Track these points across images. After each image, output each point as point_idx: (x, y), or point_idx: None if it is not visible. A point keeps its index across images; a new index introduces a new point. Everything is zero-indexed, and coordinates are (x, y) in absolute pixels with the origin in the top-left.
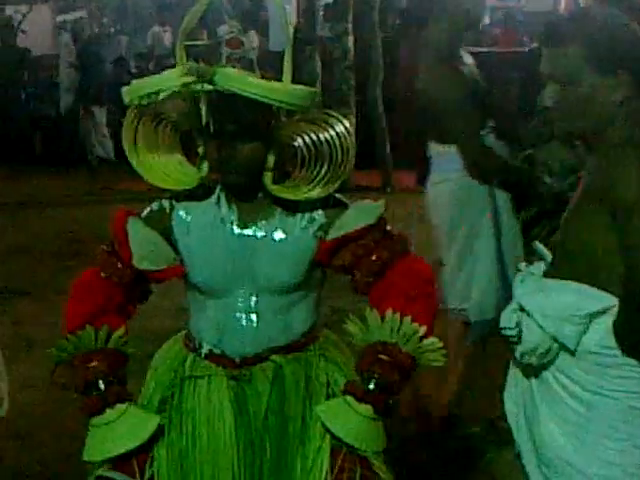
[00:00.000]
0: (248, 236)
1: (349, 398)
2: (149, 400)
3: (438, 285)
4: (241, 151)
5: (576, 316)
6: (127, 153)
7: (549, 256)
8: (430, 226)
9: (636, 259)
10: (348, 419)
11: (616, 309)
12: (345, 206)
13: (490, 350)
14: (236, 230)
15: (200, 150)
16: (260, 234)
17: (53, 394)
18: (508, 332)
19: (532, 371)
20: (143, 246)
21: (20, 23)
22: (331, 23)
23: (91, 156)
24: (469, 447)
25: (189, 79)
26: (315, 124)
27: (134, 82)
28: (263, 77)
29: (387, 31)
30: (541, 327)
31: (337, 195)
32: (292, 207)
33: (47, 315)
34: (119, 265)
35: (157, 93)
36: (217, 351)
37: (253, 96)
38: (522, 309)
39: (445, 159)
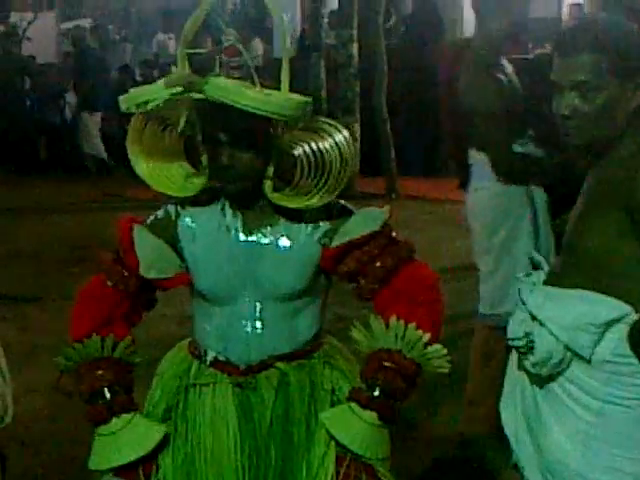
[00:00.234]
0: (253, 243)
1: (354, 405)
2: (154, 407)
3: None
4: (239, 160)
5: (592, 325)
6: (131, 159)
7: (546, 265)
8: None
9: None
10: (353, 426)
11: (633, 317)
12: (350, 213)
13: None
14: (241, 237)
15: (203, 158)
16: (265, 241)
17: (58, 400)
18: (517, 343)
19: (537, 381)
20: (149, 254)
21: (25, 31)
22: (336, 30)
23: (90, 162)
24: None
25: (178, 89)
26: (315, 133)
27: (131, 90)
28: (262, 85)
29: (392, 38)
30: (555, 337)
31: (342, 202)
32: (297, 214)
33: (52, 321)
34: (125, 273)
35: (147, 102)
36: (222, 358)
37: (243, 107)
38: (534, 318)
39: (484, 166)
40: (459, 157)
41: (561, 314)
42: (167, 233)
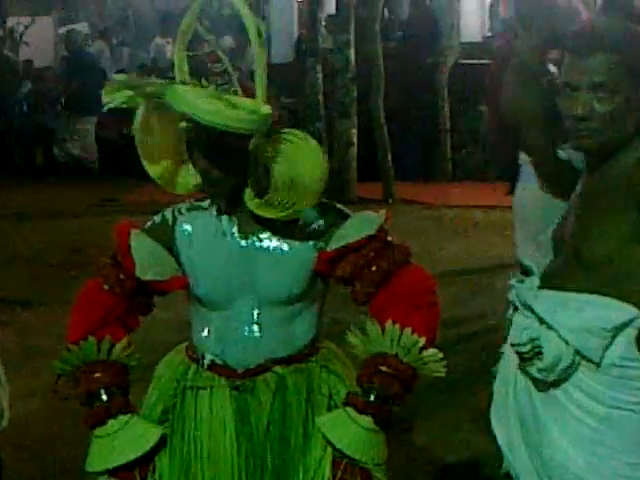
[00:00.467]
0: (249, 247)
1: (350, 409)
2: (151, 410)
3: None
4: (214, 165)
5: (603, 329)
6: (140, 154)
7: (537, 271)
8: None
9: None
10: (349, 431)
11: None
12: (345, 217)
13: None
14: (237, 241)
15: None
16: (261, 245)
17: (55, 403)
18: (522, 349)
19: (537, 387)
20: (146, 257)
21: (22, 35)
22: (333, 35)
23: (84, 166)
24: None
25: (130, 93)
26: (287, 144)
27: (107, 88)
28: (246, 91)
29: (389, 42)
30: (565, 341)
31: (338, 205)
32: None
33: (49, 325)
34: (121, 276)
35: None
36: (219, 362)
37: (196, 118)
38: (542, 323)
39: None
40: (507, 162)
41: (571, 318)
42: (164, 238)
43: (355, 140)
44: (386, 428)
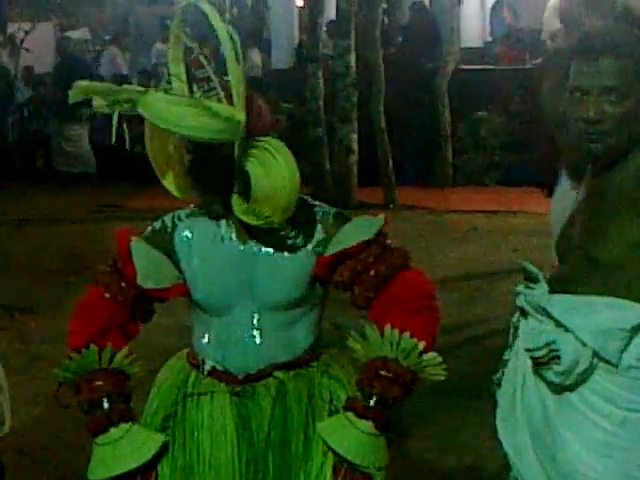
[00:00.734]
0: (248, 252)
1: (350, 414)
2: (152, 417)
3: None
4: (206, 170)
5: (620, 330)
6: (150, 158)
7: (541, 276)
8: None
9: None
10: (349, 436)
11: None
12: (344, 221)
13: None
14: (236, 247)
15: None
16: (259, 250)
17: (56, 411)
18: (537, 353)
19: (550, 392)
20: (147, 265)
21: (22, 41)
22: (334, 40)
23: (78, 172)
24: None
25: (108, 100)
26: (264, 152)
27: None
28: (229, 97)
29: (389, 48)
30: (583, 344)
31: (336, 210)
32: (290, 223)
33: (49, 331)
34: (123, 284)
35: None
36: (220, 368)
37: (163, 126)
38: (558, 327)
39: None
40: (550, 166)
41: (589, 320)
42: (164, 244)
43: (356, 145)
44: (386, 432)
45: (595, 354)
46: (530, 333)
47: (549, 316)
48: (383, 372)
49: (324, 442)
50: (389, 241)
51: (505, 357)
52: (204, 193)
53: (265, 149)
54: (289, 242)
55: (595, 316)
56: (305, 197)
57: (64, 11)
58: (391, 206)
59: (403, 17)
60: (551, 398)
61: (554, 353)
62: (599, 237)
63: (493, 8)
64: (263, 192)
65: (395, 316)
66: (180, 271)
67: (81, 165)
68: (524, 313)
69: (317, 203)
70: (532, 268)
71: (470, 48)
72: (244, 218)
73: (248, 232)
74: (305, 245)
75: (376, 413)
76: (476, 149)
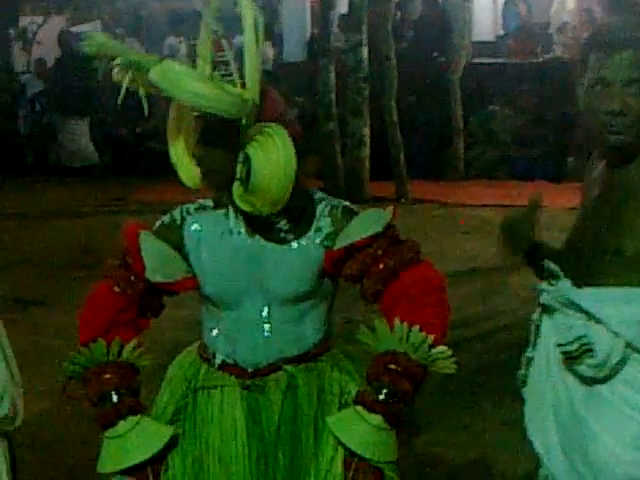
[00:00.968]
0: (256, 246)
1: (359, 408)
2: (163, 410)
3: None
4: (209, 154)
5: None
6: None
7: (561, 272)
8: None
9: None
10: (359, 429)
11: None
12: (353, 214)
13: None
14: (244, 241)
15: None
16: (268, 244)
17: (66, 403)
18: (569, 348)
19: (580, 386)
20: (156, 259)
21: (35, 34)
22: (346, 34)
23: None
24: None
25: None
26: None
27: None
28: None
29: (401, 42)
30: (616, 334)
31: (345, 203)
32: (299, 216)
33: (60, 325)
34: (132, 278)
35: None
36: (230, 361)
37: (179, 97)
38: (590, 319)
39: None
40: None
41: (621, 311)
42: (173, 238)
43: (368, 139)
44: (397, 426)
45: (628, 345)
46: (560, 328)
47: (579, 310)
48: (392, 366)
49: (334, 436)
50: (398, 234)
51: (528, 354)
52: (212, 183)
53: (269, 135)
54: (297, 235)
55: (627, 307)
56: (314, 190)
57: (76, 5)
58: (403, 200)
59: (415, 11)
60: (579, 392)
61: (586, 347)
62: (623, 229)
63: (506, 2)
64: (259, 178)
65: (404, 309)
66: (189, 265)
67: (81, 159)
68: (546, 310)
69: (326, 196)
70: (552, 265)
71: (482, 42)
72: (240, 205)
73: (257, 225)
74: (314, 239)
75: (386, 407)
76: (488, 143)
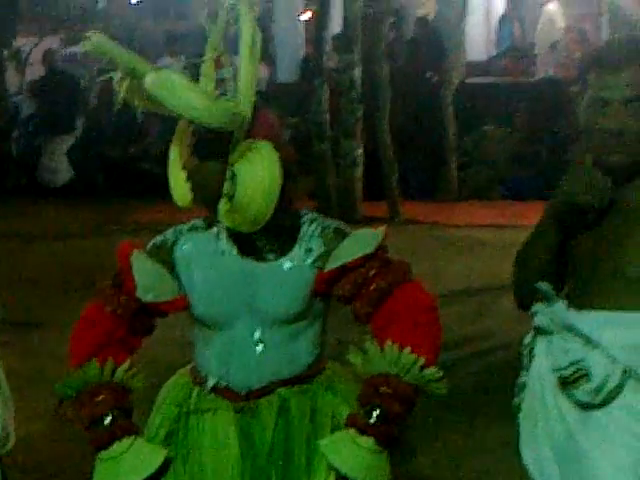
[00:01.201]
0: (248, 267)
1: (351, 431)
2: (155, 433)
3: None
4: (200, 169)
5: None
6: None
7: (554, 295)
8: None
9: None
10: (351, 453)
11: None
12: (344, 235)
13: None
14: (236, 261)
15: None
16: (259, 265)
17: (60, 425)
18: (564, 373)
19: (571, 412)
20: (147, 278)
21: (29, 55)
22: (339, 54)
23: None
24: None
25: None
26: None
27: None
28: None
29: (395, 62)
30: (613, 360)
31: (337, 224)
32: (290, 237)
33: (53, 347)
34: (123, 298)
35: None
36: (223, 384)
37: (171, 106)
38: (588, 343)
39: None
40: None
41: (622, 336)
42: (165, 258)
43: (361, 159)
44: (389, 447)
45: (626, 370)
46: (555, 352)
47: (576, 333)
48: (384, 388)
49: (326, 460)
50: (388, 254)
51: (522, 380)
52: (201, 198)
53: (257, 150)
54: (289, 257)
55: (628, 331)
56: (306, 211)
57: (71, 26)
58: (396, 220)
59: (408, 31)
60: (574, 417)
61: (581, 372)
62: (625, 250)
63: (500, 21)
64: (242, 194)
65: (395, 331)
66: (181, 285)
67: (60, 179)
68: (540, 332)
69: (318, 217)
70: (546, 287)
71: (476, 61)
72: (224, 221)
73: (247, 246)
74: (305, 259)
75: (377, 429)
76: (481, 163)
